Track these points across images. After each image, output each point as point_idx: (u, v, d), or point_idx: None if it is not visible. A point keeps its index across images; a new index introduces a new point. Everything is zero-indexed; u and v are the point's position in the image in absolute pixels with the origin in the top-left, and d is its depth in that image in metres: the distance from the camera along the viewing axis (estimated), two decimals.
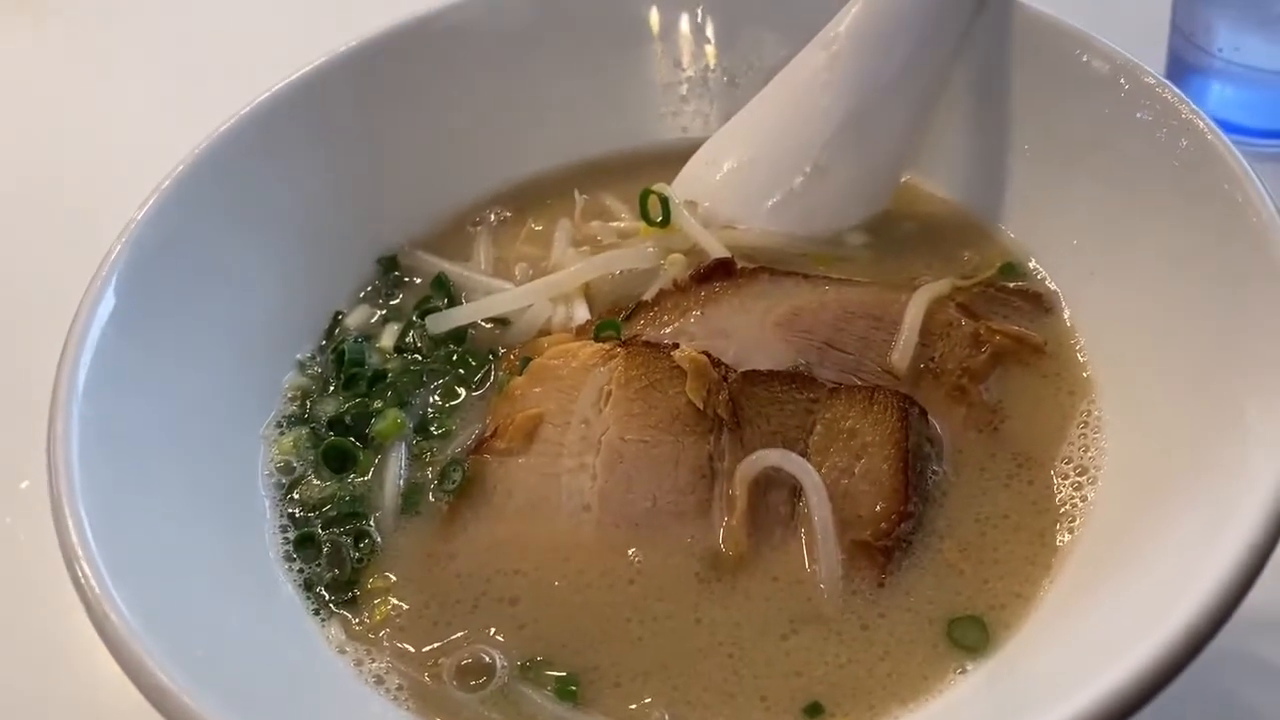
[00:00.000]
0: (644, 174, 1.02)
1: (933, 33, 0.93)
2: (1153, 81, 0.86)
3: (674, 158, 1.02)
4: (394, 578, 0.79)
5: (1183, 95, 0.85)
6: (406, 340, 0.93)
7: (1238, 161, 0.79)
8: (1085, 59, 0.89)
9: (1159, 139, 0.84)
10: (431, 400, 0.89)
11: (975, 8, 0.93)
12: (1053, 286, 0.90)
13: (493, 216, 1.03)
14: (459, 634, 0.76)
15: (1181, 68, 1.28)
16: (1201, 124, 0.82)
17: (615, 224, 1.00)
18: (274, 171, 0.94)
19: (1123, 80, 0.87)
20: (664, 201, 0.94)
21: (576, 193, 1.02)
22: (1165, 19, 1.25)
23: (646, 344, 0.84)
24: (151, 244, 0.84)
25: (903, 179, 0.99)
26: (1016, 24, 0.93)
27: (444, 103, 1.02)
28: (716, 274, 0.90)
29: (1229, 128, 1.23)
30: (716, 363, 0.82)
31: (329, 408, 0.89)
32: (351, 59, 0.98)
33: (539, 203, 1.04)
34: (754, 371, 0.82)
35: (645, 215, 0.95)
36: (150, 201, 0.85)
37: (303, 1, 1.44)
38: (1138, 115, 0.86)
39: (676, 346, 0.83)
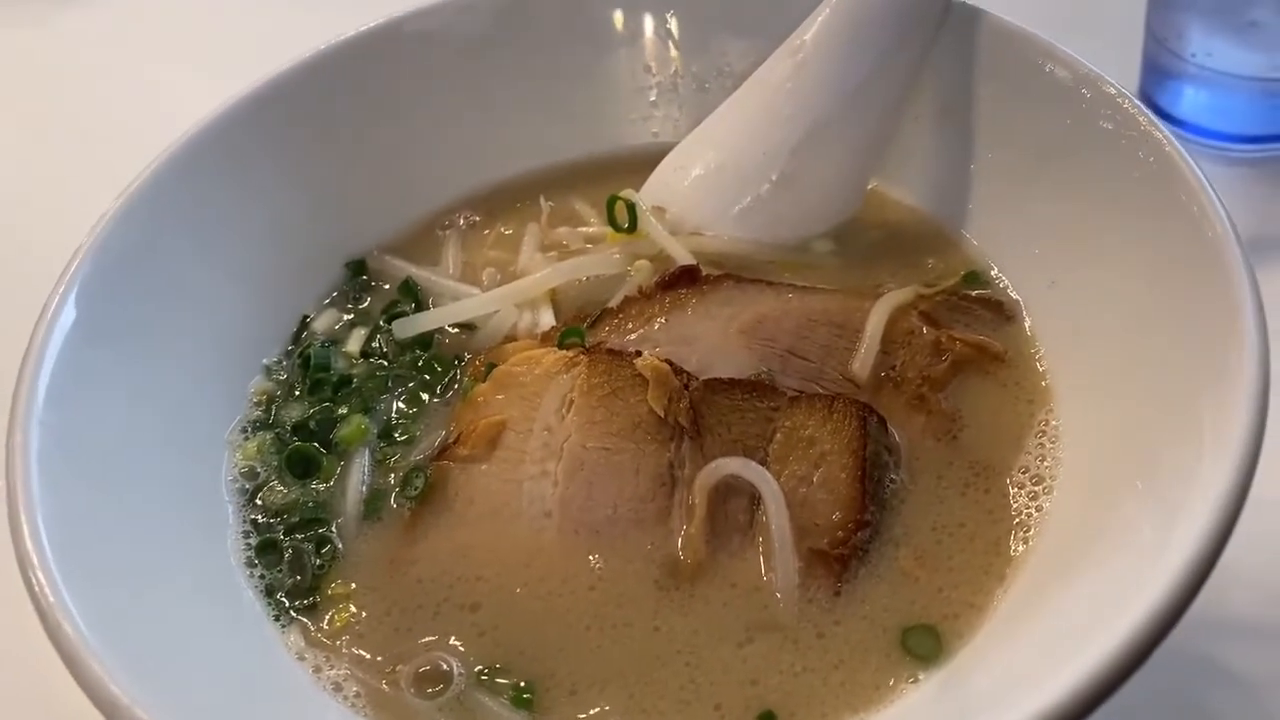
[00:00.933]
0: (613, 178, 1.03)
1: (898, 40, 0.94)
2: (1113, 92, 0.86)
3: (643, 162, 1.02)
4: (355, 584, 0.79)
5: (1143, 107, 0.85)
6: (373, 345, 0.94)
7: (1195, 175, 0.80)
8: (1048, 68, 0.90)
9: (1119, 150, 0.85)
10: (396, 406, 0.89)
11: (941, 16, 0.93)
12: (1014, 295, 0.91)
13: (461, 220, 1.03)
14: (419, 641, 0.76)
15: (1155, 72, 1.29)
16: (1160, 136, 0.82)
17: (583, 229, 1.00)
18: (240, 177, 0.94)
19: (1085, 90, 0.88)
20: (631, 208, 0.95)
21: (543, 199, 1.03)
22: (1141, 22, 1.26)
23: (609, 352, 0.85)
24: (114, 251, 0.84)
25: (869, 185, 0.99)
26: (982, 32, 0.93)
27: (412, 106, 1.02)
28: (682, 281, 0.90)
29: (1202, 132, 1.26)
30: (678, 371, 0.82)
31: (294, 413, 0.89)
32: (318, 63, 0.98)
33: (508, 206, 1.04)
34: (715, 380, 0.83)
35: (612, 221, 0.95)
36: (112, 209, 0.86)
37: (273, 5, 1.43)
38: (1099, 125, 0.87)
39: (639, 354, 0.83)
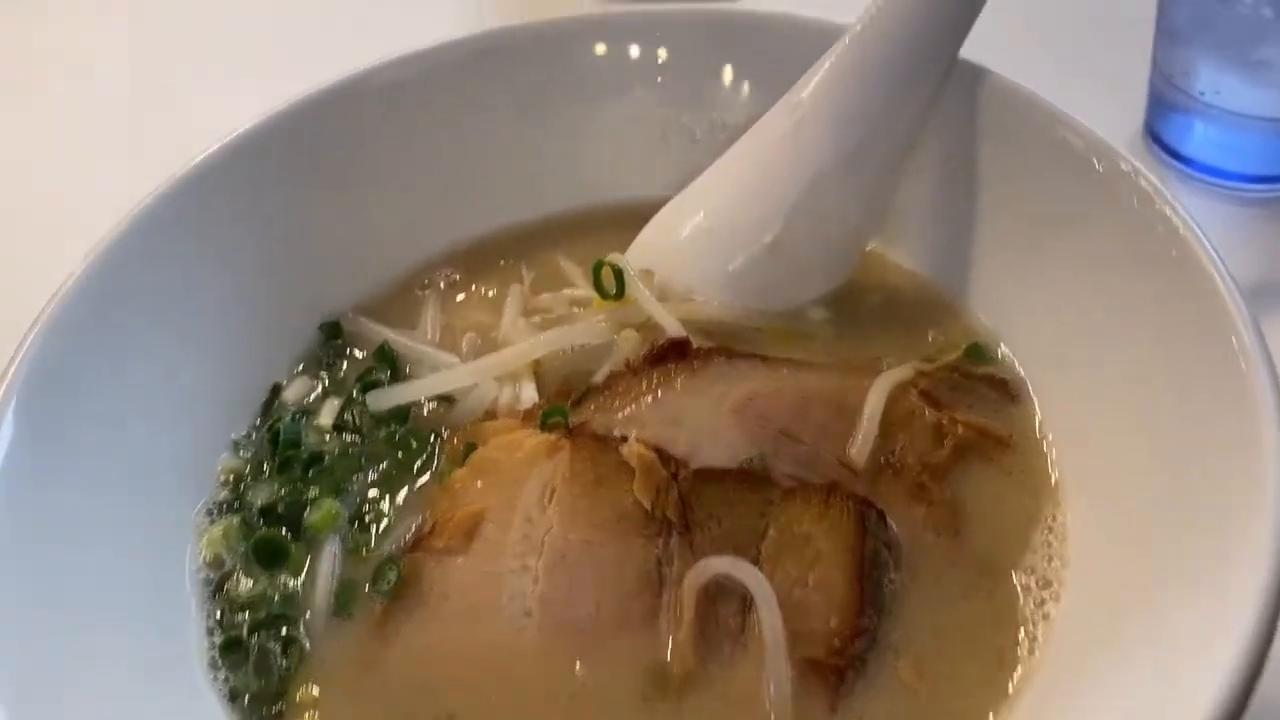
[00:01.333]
0: (598, 233, 0.99)
1: (900, 100, 0.90)
2: (1126, 167, 0.82)
3: (630, 216, 0.98)
4: (323, 689, 0.75)
5: (1157, 183, 0.81)
6: (347, 417, 0.89)
7: (1210, 256, 0.76)
8: (1057, 134, 0.86)
9: (1131, 226, 0.81)
10: (370, 488, 0.85)
11: (943, 75, 0.89)
12: (1020, 372, 0.87)
13: (441, 280, 0.99)
14: None
15: (1162, 109, 1.25)
16: (1174, 213, 0.78)
17: (568, 291, 0.96)
18: (206, 239, 0.90)
19: (1095, 160, 0.84)
20: (618, 273, 0.90)
21: (524, 270, 0.98)
22: (1145, 56, 1.22)
23: (594, 437, 0.80)
24: (69, 326, 0.80)
25: (867, 247, 0.95)
26: (986, 93, 0.89)
27: (388, 160, 0.98)
28: (671, 355, 0.86)
29: (1211, 171, 1.22)
30: (667, 459, 0.78)
31: (262, 494, 0.84)
32: (288, 118, 0.94)
33: (490, 264, 1.00)
34: (706, 470, 0.78)
35: (599, 287, 0.91)
36: (69, 282, 0.81)
37: (247, 55, 1.37)
38: (1109, 199, 0.83)
39: (625, 440, 0.79)
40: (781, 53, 0.95)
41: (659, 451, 0.78)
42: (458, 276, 0.99)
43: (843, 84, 0.89)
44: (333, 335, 0.95)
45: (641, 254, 0.95)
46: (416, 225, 1.00)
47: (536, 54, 1.00)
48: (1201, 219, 1.22)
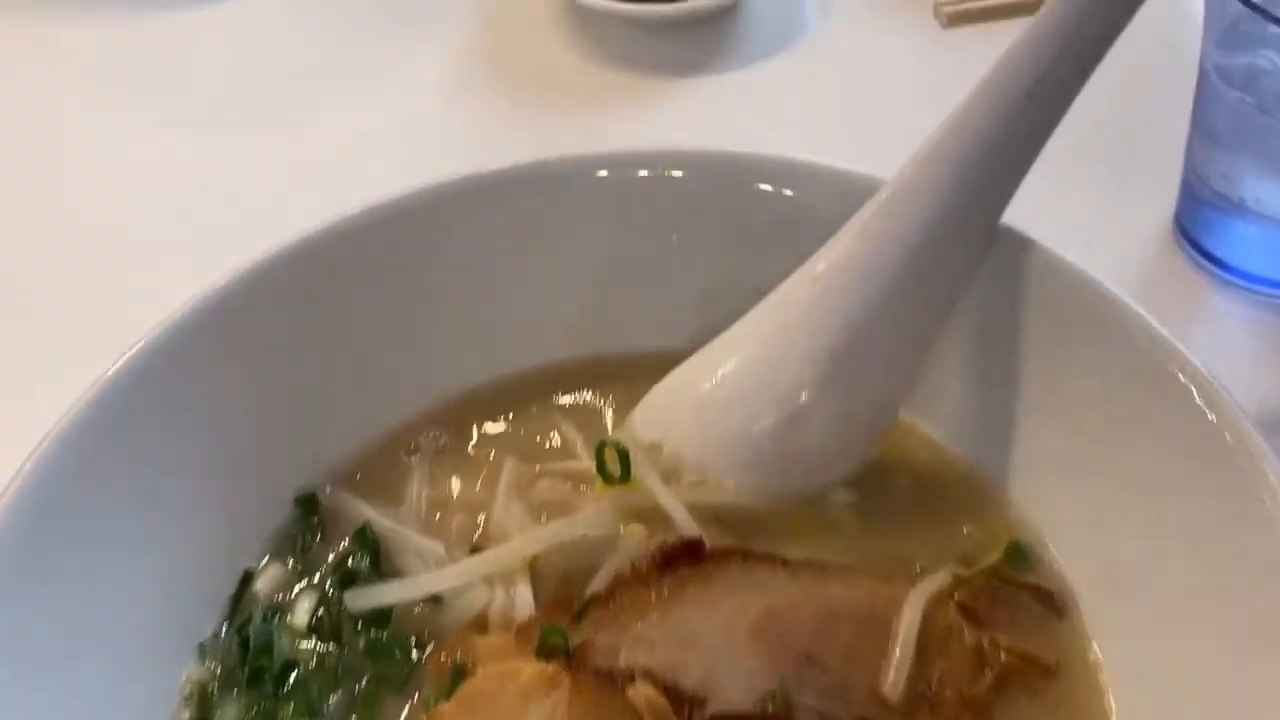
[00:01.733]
0: (601, 388, 0.92)
1: (936, 271, 0.81)
2: (1182, 357, 0.74)
3: (635, 371, 0.90)
4: None
5: (1210, 377, 0.73)
6: (323, 616, 0.81)
7: (1269, 459, 0.68)
8: (1104, 313, 0.78)
9: (1186, 419, 0.73)
10: (349, 712, 0.77)
11: (984, 248, 0.81)
12: (1067, 580, 0.79)
13: (429, 444, 0.91)
14: None
15: (1196, 208, 1.18)
16: (1232, 407, 0.71)
17: (568, 463, 0.88)
18: (171, 410, 0.81)
19: (1146, 344, 0.76)
20: (623, 455, 0.82)
21: (519, 428, 0.90)
22: (1173, 143, 1.15)
23: (596, 674, 0.72)
24: (8, 526, 0.72)
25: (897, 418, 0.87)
26: (1032, 268, 0.80)
27: (368, 309, 0.89)
28: (682, 558, 0.78)
29: (1250, 278, 1.15)
30: (679, 700, 0.70)
31: (229, 715, 0.76)
32: (261, 272, 0.85)
33: (481, 421, 0.91)
34: (722, 715, 0.70)
35: (602, 470, 0.83)
36: (12, 484, 0.73)
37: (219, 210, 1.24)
38: (1161, 387, 0.75)
39: (632, 678, 0.71)
40: (810, 204, 0.86)
41: (670, 689, 0.71)
42: (446, 439, 0.91)
43: (870, 253, 0.81)
44: (309, 511, 0.87)
45: (649, 421, 0.87)
46: (400, 379, 0.91)
47: (534, 191, 0.91)
48: (1239, 327, 1.16)
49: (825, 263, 0.82)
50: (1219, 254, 1.16)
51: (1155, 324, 0.76)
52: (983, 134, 0.79)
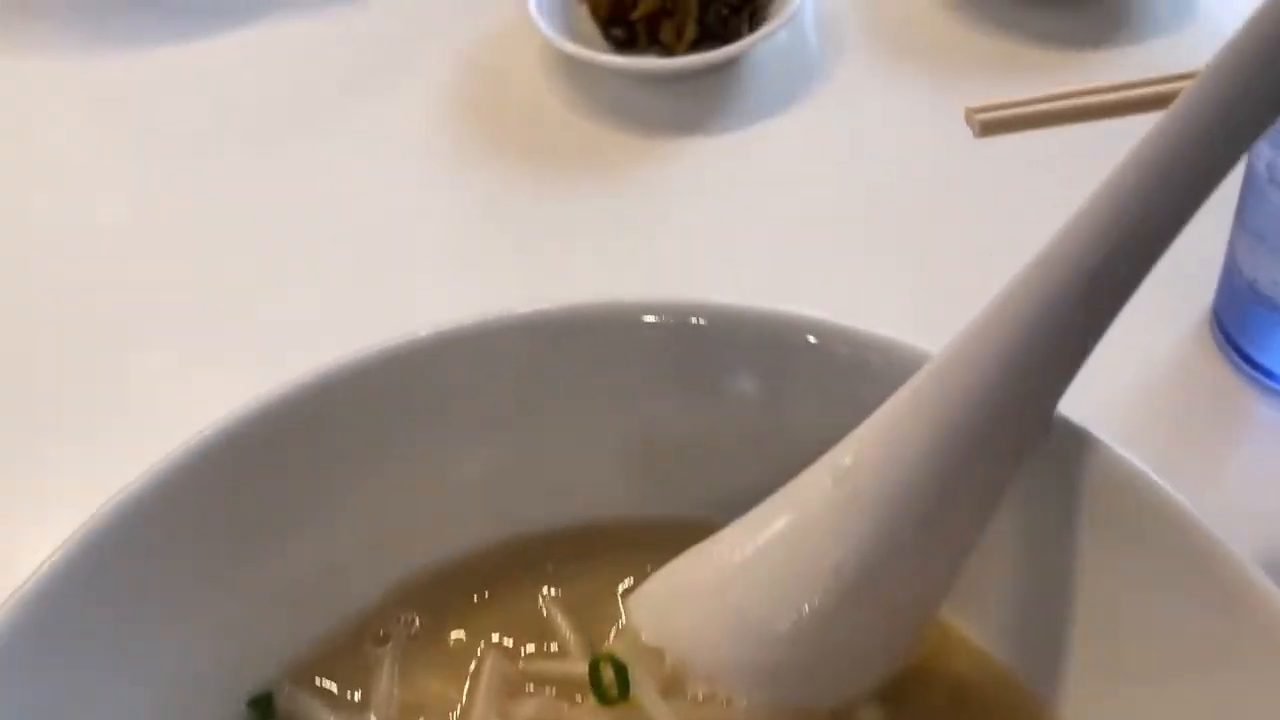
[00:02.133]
0: (591, 563, 0.82)
1: (978, 469, 0.71)
2: (1250, 573, 0.64)
3: (625, 544, 0.82)
4: None
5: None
6: None
7: None
8: (1161, 522, 0.68)
9: (1249, 652, 0.64)
10: None
11: (1034, 441, 0.71)
12: None
13: (399, 630, 0.80)
14: None
15: (1237, 308, 1.10)
16: None
17: (556, 665, 0.77)
18: (111, 604, 0.71)
19: (1214, 566, 0.66)
20: (620, 672, 0.72)
21: (500, 612, 0.80)
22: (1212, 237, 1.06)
23: None
24: None
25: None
26: (1089, 465, 0.70)
27: (330, 479, 0.79)
28: None
29: None
30: None
31: None
32: (215, 443, 0.75)
33: (457, 601, 0.81)
34: None
35: (597, 688, 0.73)
36: None
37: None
38: (1221, 611, 0.65)
39: None
40: (838, 373, 0.76)
41: None
42: (419, 622, 0.81)
43: (903, 452, 0.70)
44: (264, 714, 0.77)
45: (648, 616, 0.77)
46: (367, 556, 0.81)
47: (516, 348, 0.80)
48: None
49: (852, 456, 0.72)
50: (1263, 361, 1.08)
51: (1235, 551, 0.65)
52: (1038, 316, 0.68)
